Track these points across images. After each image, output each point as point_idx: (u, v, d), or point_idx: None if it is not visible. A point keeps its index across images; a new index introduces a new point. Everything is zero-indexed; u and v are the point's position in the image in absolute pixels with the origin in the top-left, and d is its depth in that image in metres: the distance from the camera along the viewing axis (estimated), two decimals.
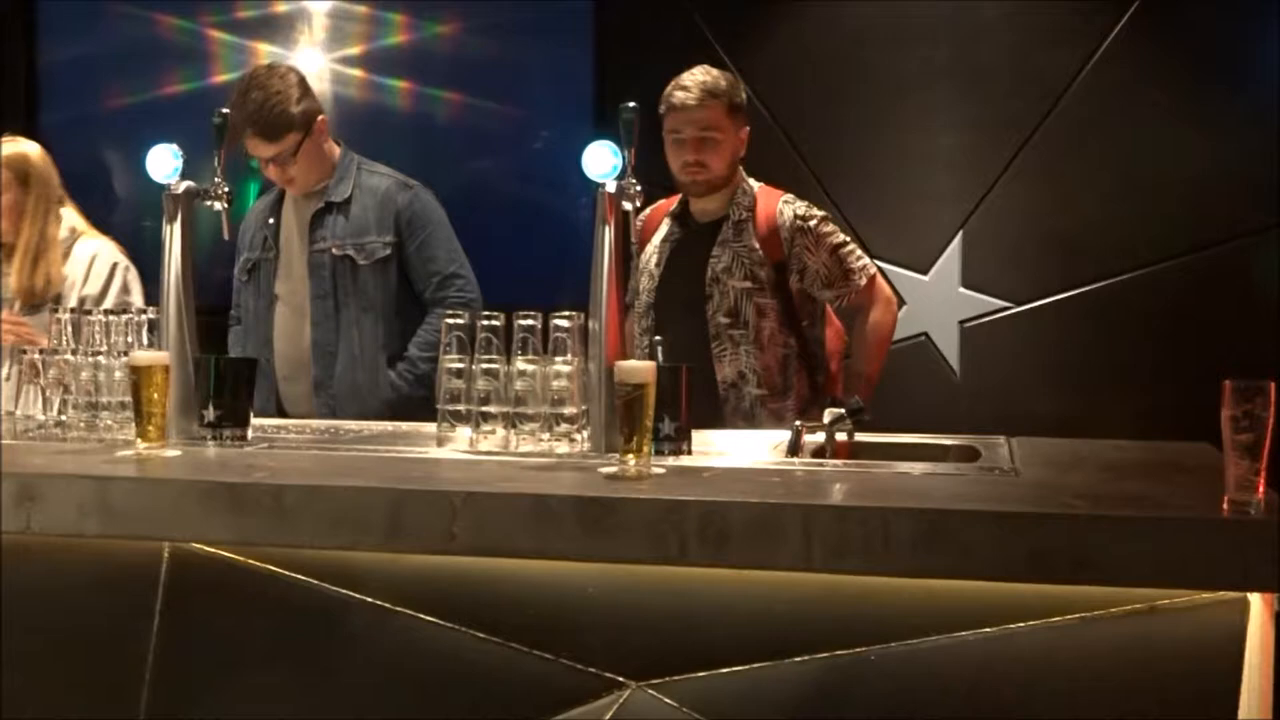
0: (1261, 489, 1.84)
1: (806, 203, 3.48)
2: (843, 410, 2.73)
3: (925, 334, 4.72)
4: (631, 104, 2.52)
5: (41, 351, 2.80)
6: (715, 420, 3.26)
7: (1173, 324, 4.47)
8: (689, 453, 2.46)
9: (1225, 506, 1.85)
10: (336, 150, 3.72)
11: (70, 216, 3.80)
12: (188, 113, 4.87)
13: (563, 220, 4.97)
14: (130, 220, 3.81)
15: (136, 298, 3.74)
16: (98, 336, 2.74)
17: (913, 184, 4.74)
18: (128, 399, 2.57)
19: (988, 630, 1.92)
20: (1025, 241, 4.65)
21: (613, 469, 2.22)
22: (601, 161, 2.47)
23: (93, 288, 3.70)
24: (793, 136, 4.75)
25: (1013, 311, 4.66)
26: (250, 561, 2.19)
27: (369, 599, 2.14)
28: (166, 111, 5.35)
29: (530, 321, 2.46)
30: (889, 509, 1.87)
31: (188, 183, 2.78)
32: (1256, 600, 1.86)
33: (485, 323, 2.50)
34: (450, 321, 2.54)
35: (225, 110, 2.92)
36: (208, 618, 2.23)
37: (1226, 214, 4.48)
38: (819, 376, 3.47)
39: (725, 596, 2.01)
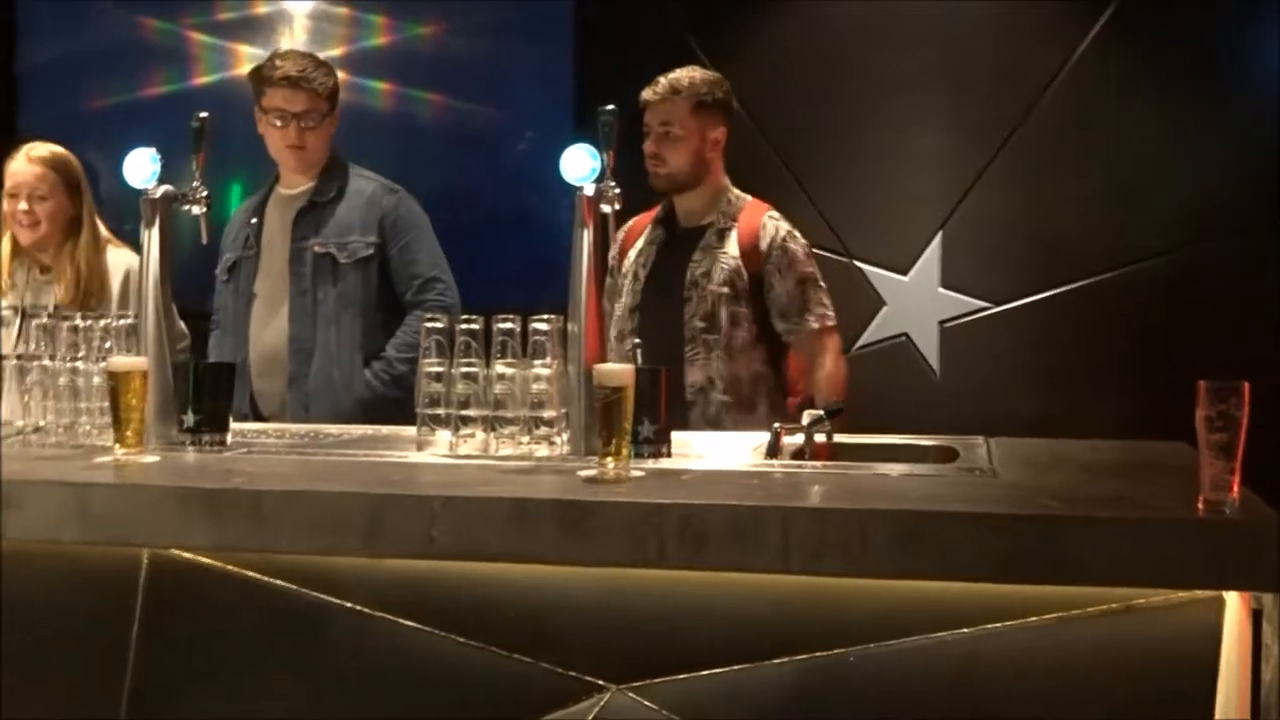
0: (1236, 488, 1.85)
1: (793, 228, 3.49)
2: (822, 412, 2.74)
3: (905, 334, 4.74)
4: (610, 107, 2.52)
5: (20, 357, 2.79)
6: (681, 425, 3.26)
7: (1151, 324, 4.49)
8: (668, 455, 2.47)
9: (1201, 506, 1.86)
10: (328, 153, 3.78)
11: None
12: (168, 114, 4.85)
13: (545, 221, 4.96)
14: (112, 222, 3.79)
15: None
16: (77, 342, 2.73)
17: (892, 185, 4.75)
18: (106, 404, 2.57)
19: (965, 631, 1.93)
20: (1005, 242, 4.67)
21: (592, 472, 2.22)
22: (579, 165, 2.47)
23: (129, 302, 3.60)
24: (772, 138, 4.75)
25: (992, 312, 4.67)
26: (229, 567, 2.18)
27: (348, 604, 2.13)
28: (147, 113, 5.33)
29: (509, 325, 2.46)
30: (867, 511, 1.87)
31: (166, 187, 2.76)
32: (1233, 599, 1.87)
33: (464, 326, 2.50)
34: (429, 325, 2.54)
35: (203, 114, 2.91)
36: (187, 624, 2.23)
37: (1204, 215, 4.50)
38: (787, 398, 3.45)
39: (704, 599, 2.02)
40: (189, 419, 2.64)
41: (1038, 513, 1.87)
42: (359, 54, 5.36)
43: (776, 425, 2.75)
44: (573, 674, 2.05)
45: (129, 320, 2.74)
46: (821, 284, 3.44)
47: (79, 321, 2.73)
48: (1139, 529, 1.80)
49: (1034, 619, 1.90)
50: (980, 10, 4.68)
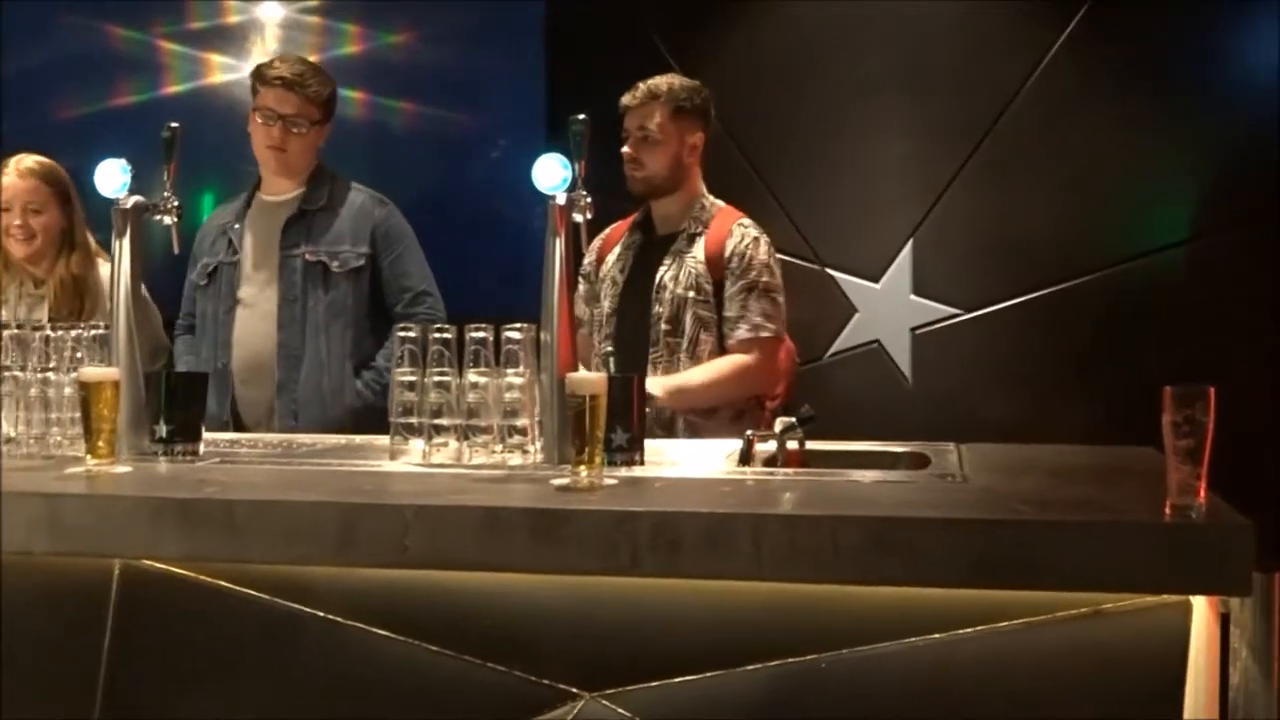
0: (1202, 493, 1.87)
1: (765, 239, 3.48)
2: (794, 419, 2.75)
3: (877, 341, 4.75)
4: (581, 116, 2.53)
5: None
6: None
7: (1121, 330, 4.51)
8: (641, 463, 2.47)
9: (1167, 511, 1.88)
10: (315, 162, 3.78)
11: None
12: (139, 124, 4.84)
13: (518, 228, 4.96)
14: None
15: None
16: (48, 353, 2.72)
17: (863, 192, 4.76)
18: (78, 415, 2.56)
19: (937, 636, 1.94)
20: (975, 248, 4.68)
21: (565, 480, 2.22)
22: (551, 174, 2.48)
23: None
24: (744, 145, 4.76)
25: (963, 318, 4.69)
26: (202, 577, 2.18)
27: (321, 613, 2.13)
28: (118, 122, 5.31)
29: (482, 334, 2.46)
30: (838, 517, 1.88)
31: (136, 197, 2.76)
32: (1200, 602, 1.89)
33: (436, 335, 2.50)
34: (401, 334, 2.54)
35: (174, 124, 2.90)
36: (160, 634, 2.22)
37: (1174, 220, 4.53)
38: (752, 412, 3.43)
39: (677, 606, 2.02)
40: (161, 429, 2.63)
41: (1008, 518, 1.89)
42: (331, 63, 5.32)
43: (749, 432, 2.76)
44: (546, 682, 2.06)
45: (100, 330, 2.74)
46: (774, 296, 3.41)
47: (50, 332, 2.72)
48: (1107, 534, 1.82)
49: (1004, 623, 1.92)
50: (949, 15, 4.68)
